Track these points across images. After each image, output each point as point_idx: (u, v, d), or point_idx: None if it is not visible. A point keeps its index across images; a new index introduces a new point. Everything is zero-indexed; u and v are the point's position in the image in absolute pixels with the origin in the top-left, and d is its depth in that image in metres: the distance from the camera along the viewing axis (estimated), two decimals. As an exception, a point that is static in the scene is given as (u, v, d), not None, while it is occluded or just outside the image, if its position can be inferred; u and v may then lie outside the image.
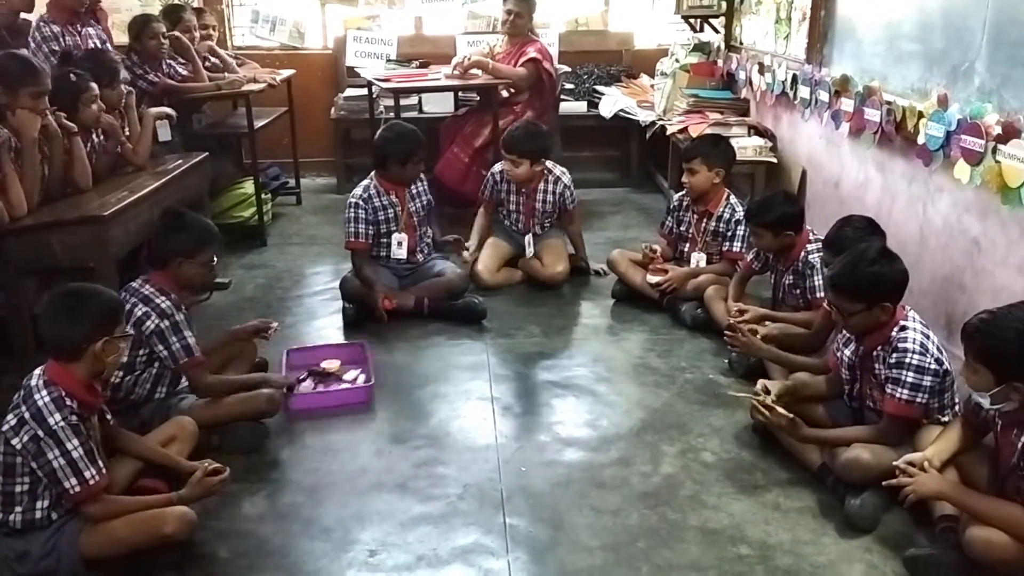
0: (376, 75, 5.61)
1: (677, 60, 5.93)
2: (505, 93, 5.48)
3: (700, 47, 5.98)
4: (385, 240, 4.17)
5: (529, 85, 5.45)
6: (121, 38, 5.09)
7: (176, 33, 5.02)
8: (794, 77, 4.57)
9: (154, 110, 4.35)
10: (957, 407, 2.74)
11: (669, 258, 4.32)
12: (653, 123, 5.87)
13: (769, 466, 2.93)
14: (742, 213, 4.10)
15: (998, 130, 2.84)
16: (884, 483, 2.49)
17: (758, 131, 5.09)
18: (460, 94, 6.04)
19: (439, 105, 6.12)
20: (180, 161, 4.23)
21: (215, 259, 3.13)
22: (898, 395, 2.63)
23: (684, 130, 5.23)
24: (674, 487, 2.82)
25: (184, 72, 4.98)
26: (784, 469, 2.90)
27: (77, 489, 2.30)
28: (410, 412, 3.32)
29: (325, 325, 4.13)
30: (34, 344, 3.23)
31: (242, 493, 2.79)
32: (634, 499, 2.76)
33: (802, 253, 3.54)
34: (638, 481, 2.86)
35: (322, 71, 6.66)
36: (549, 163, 4.56)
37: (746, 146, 4.86)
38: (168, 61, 4.93)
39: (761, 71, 5.09)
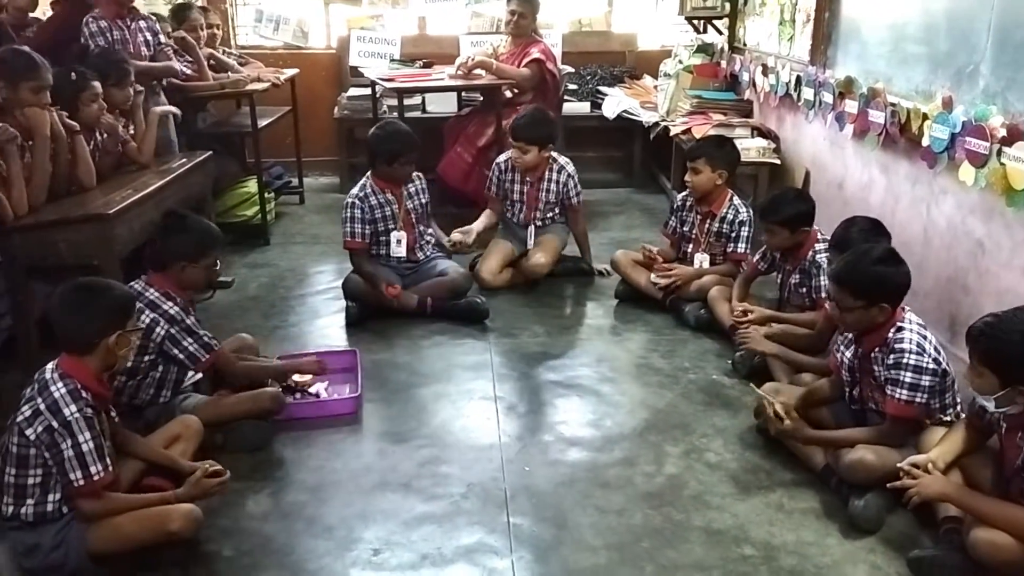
0: (380, 75, 5.62)
1: (680, 61, 5.95)
2: (508, 93, 5.49)
3: (704, 48, 5.99)
4: (384, 239, 4.18)
5: (532, 86, 5.45)
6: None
7: (182, 32, 5.03)
8: (798, 79, 4.58)
9: (159, 108, 4.36)
10: (959, 407, 2.75)
11: (672, 259, 4.33)
12: (656, 124, 5.88)
13: (773, 467, 2.93)
14: (745, 214, 4.11)
15: (1003, 132, 2.84)
16: (888, 485, 2.49)
17: (761, 132, 5.10)
18: (463, 94, 6.05)
19: (443, 105, 6.13)
20: (184, 160, 4.24)
21: (218, 263, 3.13)
22: (898, 395, 2.63)
23: (687, 131, 5.24)
24: (678, 487, 2.83)
25: (189, 71, 4.99)
26: (788, 470, 2.91)
27: (81, 482, 2.31)
28: (413, 412, 3.32)
29: (328, 324, 4.13)
30: (38, 343, 3.23)
31: (246, 491, 2.79)
32: (638, 499, 2.76)
33: (810, 253, 3.55)
34: (642, 481, 2.86)
35: (326, 70, 6.68)
36: (554, 153, 4.57)
37: (749, 147, 4.86)
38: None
39: (765, 72, 5.10)
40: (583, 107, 6.51)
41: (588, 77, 6.68)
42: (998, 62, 2.97)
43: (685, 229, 4.31)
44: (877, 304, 2.66)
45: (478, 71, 5.36)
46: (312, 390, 3.39)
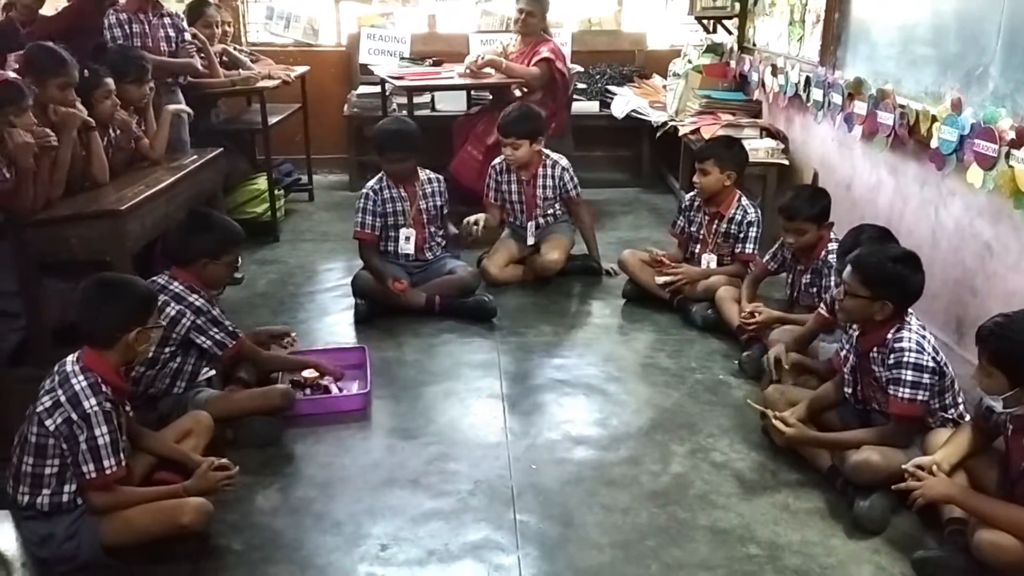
0: (389, 72, 5.64)
1: (690, 61, 5.94)
2: (518, 92, 5.49)
3: (713, 48, 5.98)
4: (393, 234, 4.20)
5: (542, 84, 5.45)
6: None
7: (194, 30, 5.05)
8: (807, 79, 4.58)
9: (171, 107, 4.38)
10: (960, 407, 2.76)
11: (680, 260, 4.34)
12: (665, 124, 5.87)
13: (778, 467, 2.94)
14: (754, 215, 4.12)
15: (1012, 135, 2.84)
16: (893, 486, 2.50)
17: (770, 133, 5.10)
18: (473, 93, 6.06)
19: (452, 103, 6.14)
20: (195, 157, 4.27)
21: (239, 260, 3.17)
22: (900, 394, 2.65)
23: (696, 131, 5.23)
24: (684, 486, 2.84)
25: (200, 68, 5.01)
26: (793, 470, 2.92)
27: (93, 475, 2.34)
28: (421, 409, 3.34)
29: (337, 321, 4.15)
30: (51, 340, 3.26)
31: (256, 487, 2.82)
32: (644, 498, 2.78)
33: (823, 252, 3.55)
34: (648, 480, 2.88)
35: (335, 68, 6.70)
36: (545, 150, 4.59)
37: (758, 148, 4.86)
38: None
39: (774, 73, 5.09)
40: (592, 106, 6.52)
41: (597, 76, 6.68)
42: (1007, 64, 2.97)
43: (693, 229, 4.32)
44: (881, 299, 2.67)
45: (488, 70, 5.37)
46: (323, 381, 3.43)
